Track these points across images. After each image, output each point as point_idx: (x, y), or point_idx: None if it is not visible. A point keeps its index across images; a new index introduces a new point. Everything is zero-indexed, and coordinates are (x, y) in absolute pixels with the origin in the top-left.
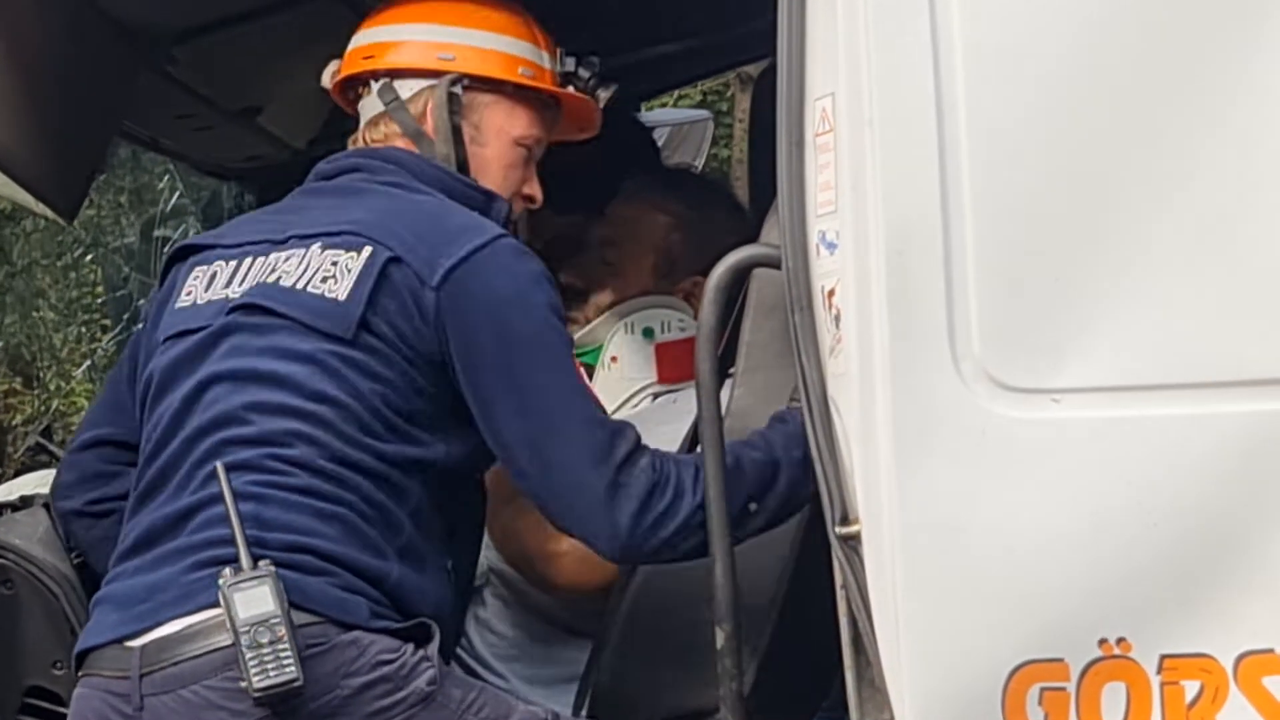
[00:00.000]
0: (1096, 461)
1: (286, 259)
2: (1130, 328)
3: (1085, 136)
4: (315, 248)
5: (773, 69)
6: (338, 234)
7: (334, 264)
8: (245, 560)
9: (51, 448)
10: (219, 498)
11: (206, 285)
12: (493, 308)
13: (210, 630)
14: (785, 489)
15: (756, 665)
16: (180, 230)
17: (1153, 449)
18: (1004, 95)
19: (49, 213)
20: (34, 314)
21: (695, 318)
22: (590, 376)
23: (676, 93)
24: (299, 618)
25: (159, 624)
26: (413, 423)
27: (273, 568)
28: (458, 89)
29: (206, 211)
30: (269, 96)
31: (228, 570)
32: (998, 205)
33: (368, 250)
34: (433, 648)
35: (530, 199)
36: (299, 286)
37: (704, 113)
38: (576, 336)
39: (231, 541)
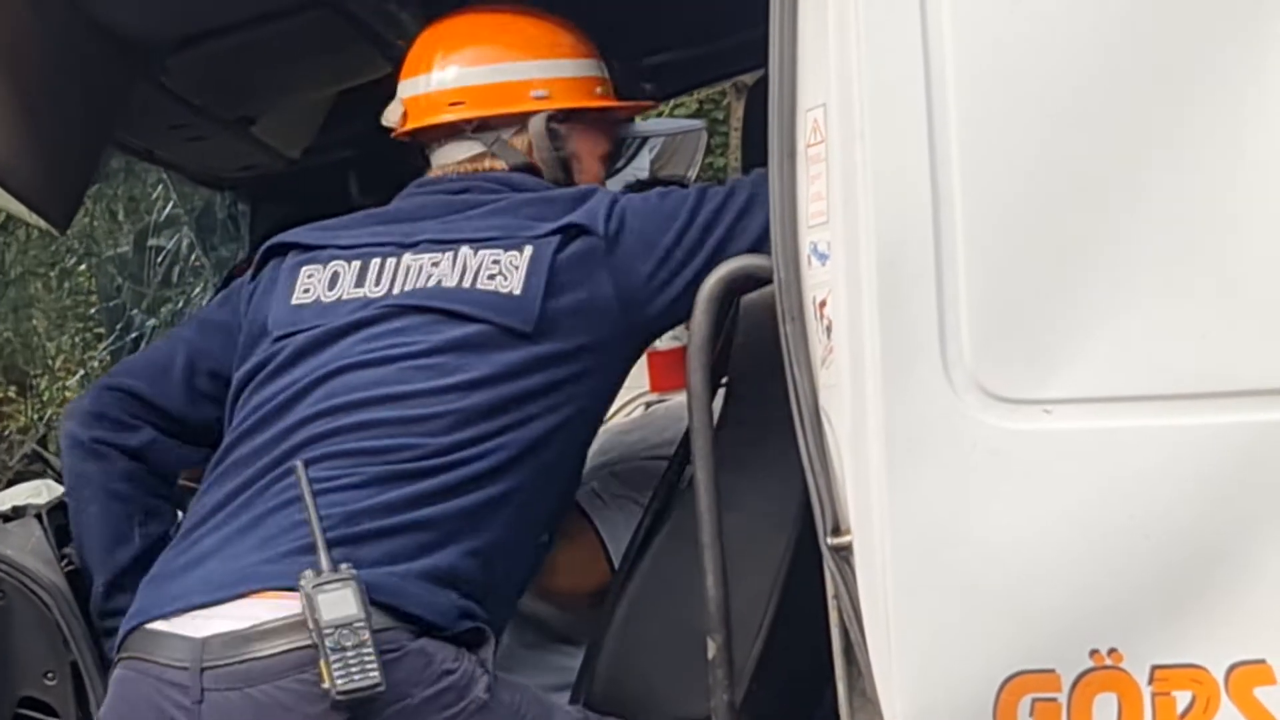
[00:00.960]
0: (1088, 472)
1: (434, 262)
2: (1122, 338)
3: (1076, 149)
4: (465, 250)
5: (765, 79)
6: (486, 239)
7: (495, 262)
8: (325, 560)
9: (48, 456)
10: (311, 486)
11: (329, 284)
12: (666, 203)
13: (285, 629)
14: None
15: (749, 675)
16: (174, 240)
17: (1145, 460)
18: (995, 107)
19: (42, 223)
20: (28, 322)
21: (686, 327)
22: None
23: (672, 101)
24: (375, 621)
25: (227, 600)
26: (567, 387)
27: (354, 571)
28: (559, 126)
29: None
30: (263, 107)
31: (309, 572)
32: (989, 216)
33: (529, 249)
34: (486, 651)
35: None
36: (466, 285)
37: (698, 122)
38: None
39: (311, 530)
